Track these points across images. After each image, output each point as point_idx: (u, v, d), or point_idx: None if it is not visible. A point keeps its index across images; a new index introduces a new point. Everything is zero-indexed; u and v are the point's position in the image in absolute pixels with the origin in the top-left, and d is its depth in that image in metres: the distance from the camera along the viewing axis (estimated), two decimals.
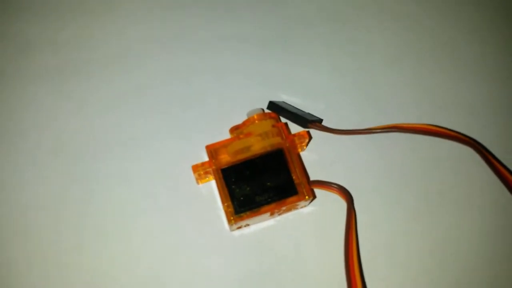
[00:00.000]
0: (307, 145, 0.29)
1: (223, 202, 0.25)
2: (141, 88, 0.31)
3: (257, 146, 0.26)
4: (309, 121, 0.28)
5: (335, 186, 0.27)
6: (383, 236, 0.27)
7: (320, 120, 0.30)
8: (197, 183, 0.28)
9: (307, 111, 0.30)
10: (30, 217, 0.27)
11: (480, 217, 0.28)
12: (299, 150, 0.29)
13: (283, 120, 0.29)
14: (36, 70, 0.31)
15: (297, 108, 0.30)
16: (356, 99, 0.31)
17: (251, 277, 0.26)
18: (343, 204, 0.27)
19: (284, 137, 0.26)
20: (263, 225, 0.27)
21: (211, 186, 0.28)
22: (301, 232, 0.27)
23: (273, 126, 0.27)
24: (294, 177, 0.26)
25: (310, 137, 0.29)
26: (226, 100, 0.31)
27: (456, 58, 0.32)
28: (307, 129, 0.29)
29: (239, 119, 0.28)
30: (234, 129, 0.28)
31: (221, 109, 0.30)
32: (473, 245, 0.27)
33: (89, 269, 0.26)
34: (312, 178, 0.28)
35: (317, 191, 0.28)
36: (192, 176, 0.27)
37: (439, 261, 0.26)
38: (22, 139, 0.29)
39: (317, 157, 0.29)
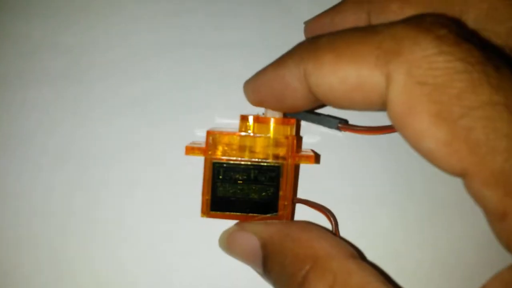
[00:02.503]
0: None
1: (203, 194, 0.25)
2: (147, 94, 0.29)
3: (260, 151, 0.24)
4: (339, 121, 0.26)
5: (322, 207, 0.26)
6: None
7: (346, 121, 0.27)
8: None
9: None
10: (34, 224, 0.28)
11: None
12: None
13: (304, 123, 0.27)
14: (39, 74, 0.30)
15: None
16: None
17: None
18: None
19: (289, 154, 0.24)
20: None
21: None
22: None
23: (286, 137, 0.24)
24: (280, 196, 0.25)
25: (317, 162, 0.27)
26: (232, 107, 0.28)
27: None
28: (338, 131, 0.26)
29: None
30: (245, 118, 0.25)
31: (226, 116, 0.29)
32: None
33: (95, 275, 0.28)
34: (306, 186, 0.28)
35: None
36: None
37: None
38: (25, 145, 0.29)
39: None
